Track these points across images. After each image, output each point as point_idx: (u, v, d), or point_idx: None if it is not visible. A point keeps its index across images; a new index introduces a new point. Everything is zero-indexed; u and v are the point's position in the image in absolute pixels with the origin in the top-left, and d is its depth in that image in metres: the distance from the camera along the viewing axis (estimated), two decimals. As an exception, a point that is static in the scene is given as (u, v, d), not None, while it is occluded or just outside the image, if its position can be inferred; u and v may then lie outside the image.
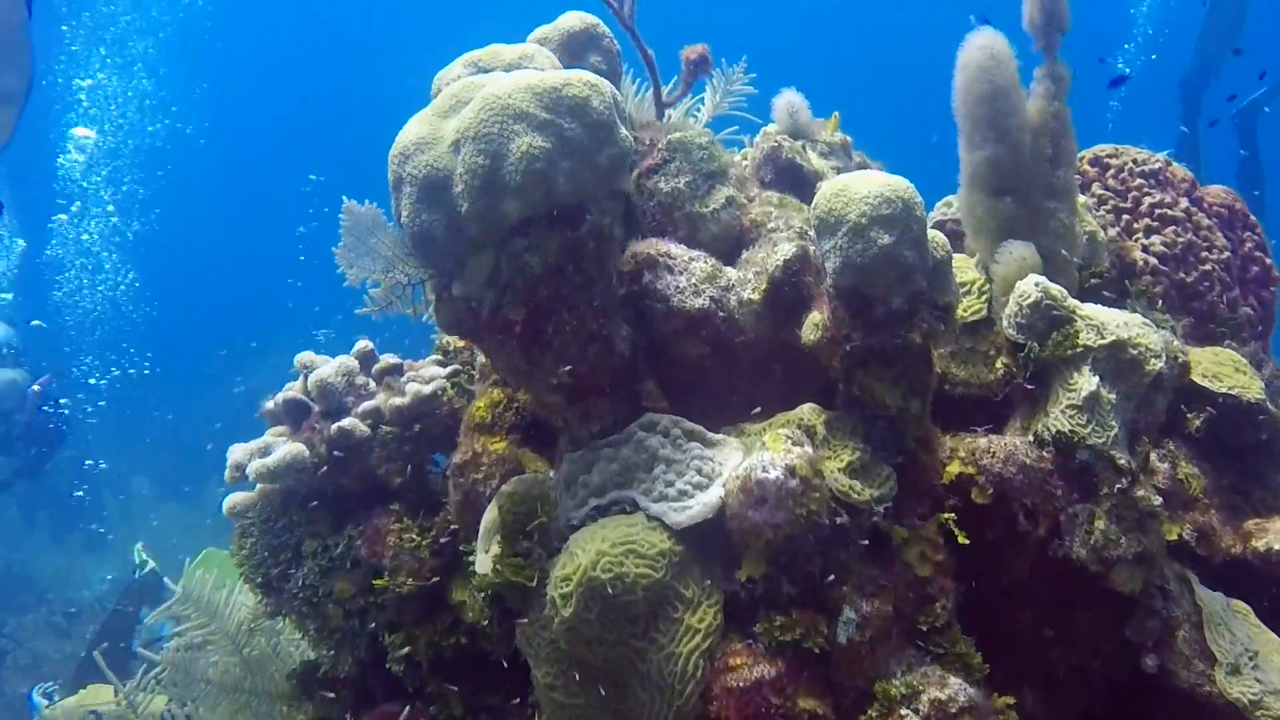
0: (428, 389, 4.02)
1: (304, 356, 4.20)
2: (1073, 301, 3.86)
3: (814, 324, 3.48)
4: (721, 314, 3.62)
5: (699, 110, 5.14)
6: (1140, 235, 4.65)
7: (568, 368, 3.51)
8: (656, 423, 3.52)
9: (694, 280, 3.62)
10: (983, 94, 4.01)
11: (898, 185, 3.34)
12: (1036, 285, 3.84)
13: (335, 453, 4.01)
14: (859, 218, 3.28)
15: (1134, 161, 4.79)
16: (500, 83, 3.39)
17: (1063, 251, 4.11)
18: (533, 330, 3.47)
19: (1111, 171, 4.78)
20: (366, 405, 4.05)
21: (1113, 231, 4.67)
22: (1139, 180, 4.72)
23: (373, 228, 3.51)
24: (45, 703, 6.82)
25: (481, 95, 3.38)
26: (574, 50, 4.24)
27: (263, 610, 4.26)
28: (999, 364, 4.03)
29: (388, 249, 3.52)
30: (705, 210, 3.85)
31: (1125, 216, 4.71)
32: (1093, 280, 4.32)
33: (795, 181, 4.17)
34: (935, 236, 3.48)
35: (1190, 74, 12.36)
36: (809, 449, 3.25)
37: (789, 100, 4.51)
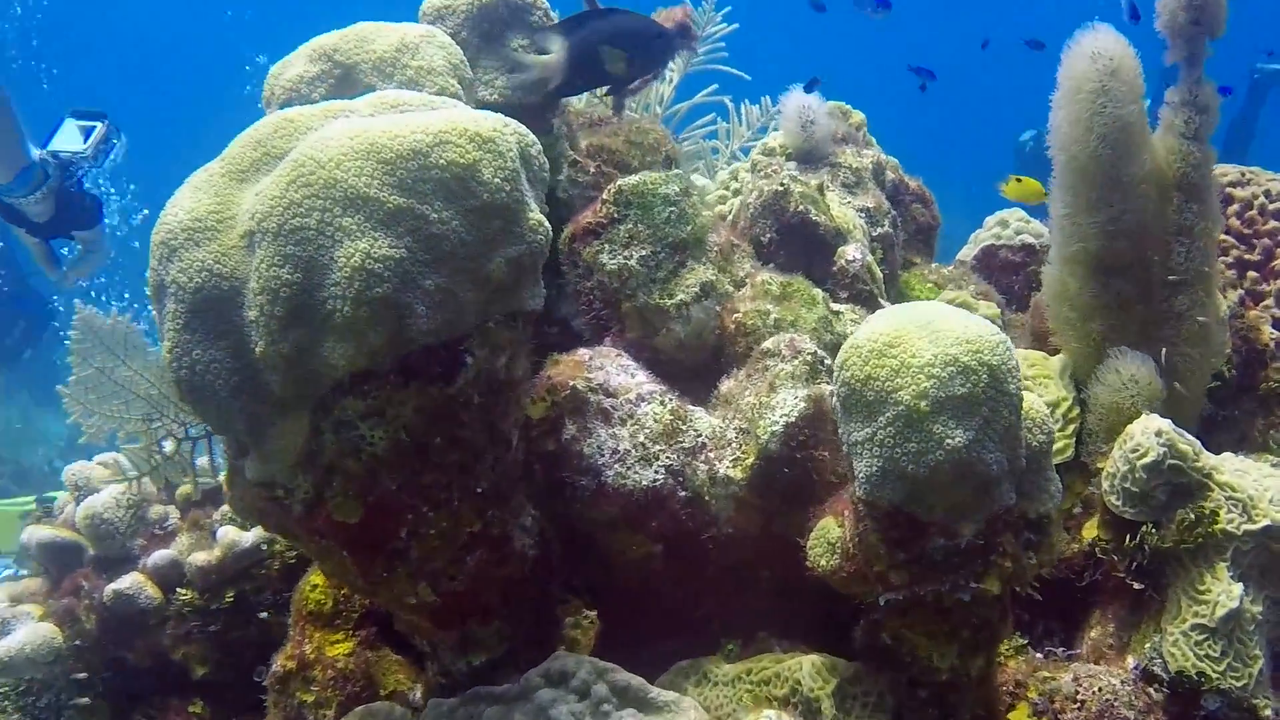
0: (248, 539, 2.51)
1: (77, 470, 2.68)
2: (1209, 460, 2.58)
3: (828, 541, 2.07)
4: (683, 493, 2.25)
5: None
6: (1273, 304, 3.12)
7: (433, 588, 2.00)
8: (571, 673, 2.18)
9: (642, 438, 2.22)
10: (1099, 130, 2.54)
11: (981, 342, 1.97)
12: (1159, 437, 2.56)
13: (112, 625, 2.52)
14: (916, 400, 1.92)
15: (1269, 194, 3.24)
16: (327, 140, 1.97)
17: (1194, 360, 2.60)
18: (376, 536, 2.14)
19: (1236, 207, 3.24)
20: (159, 556, 2.57)
21: (1233, 295, 3.15)
22: (1273, 222, 3.18)
23: (124, 350, 1.96)
24: None
25: (296, 158, 1.90)
26: (489, 28, 2.79)
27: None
28: (1088, 533, 2.65)
29: (149, 384, 1.97)
30: (668, 303, 2.41)
31: (1252, 273, 3.19)
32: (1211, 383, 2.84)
33: (808, 245, 2.73)
34: (1032, 410, 2.01)
35: None
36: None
37: (802, 105, 3.01)
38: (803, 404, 2.28)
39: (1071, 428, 2.82)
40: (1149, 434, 2.57)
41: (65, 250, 3.71)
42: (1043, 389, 2.85)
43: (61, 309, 9.00)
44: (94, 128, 4.86)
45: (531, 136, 2.26)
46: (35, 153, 4.53)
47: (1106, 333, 2.82)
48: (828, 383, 2.39)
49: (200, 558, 2.74)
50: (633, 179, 2.66)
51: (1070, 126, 2.72)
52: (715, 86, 4.32)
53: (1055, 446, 2.74)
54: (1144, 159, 2.75)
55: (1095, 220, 2.75)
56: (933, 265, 3.47)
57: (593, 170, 2.90)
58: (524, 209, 2.13)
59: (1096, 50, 2.74)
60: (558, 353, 2.71)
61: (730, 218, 3.17)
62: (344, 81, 2.64)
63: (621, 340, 2.60)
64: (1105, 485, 2.63)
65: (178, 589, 2.79)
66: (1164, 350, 2.79)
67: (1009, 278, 3.87)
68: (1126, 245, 2.75)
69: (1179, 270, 2.78)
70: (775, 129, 4.36)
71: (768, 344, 2.46)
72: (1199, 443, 2.59)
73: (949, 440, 1.98)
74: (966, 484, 2.02)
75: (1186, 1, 2.75)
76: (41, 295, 8.96)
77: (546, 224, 2.18)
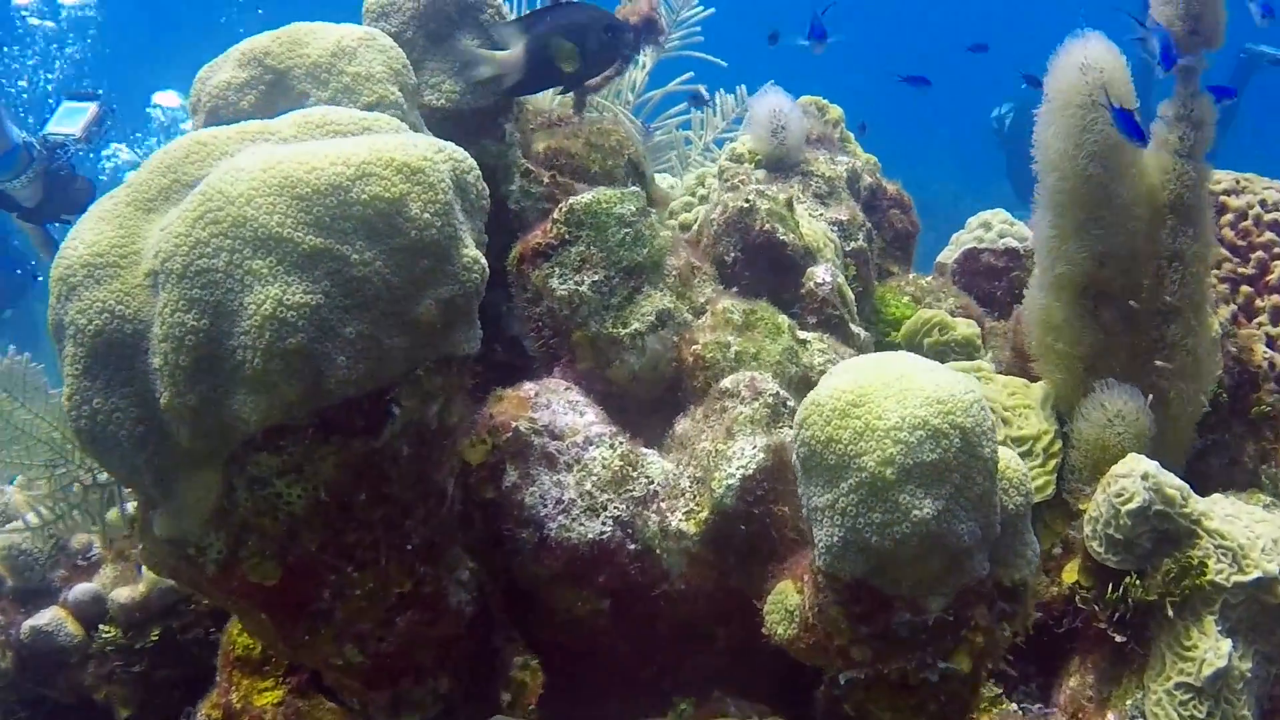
0: (175, 574, 2.36)
1: (-7, 495, 2.52)
2: (1198, 505, 2.45)
3: (786, 608, 1.91)
4: (633, 546, 2.10)
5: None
6: (1266, 321, 2.94)
7: (360, 650, 1.83)
8: (510, 739, 1.93)
9: (589, 486, 2.05)
10: (1089, 148, 2.37)
11: (953, 402, 1.81)
12: (1146, 481, 2.43)
13: (31, 662, 2.36)
14: (881, 467, 1.74)
15: (1264, 204, 3.04)
16: (238, 172, 1.80)
17: (1185, 393, 2.43)
18: (296, 598, 1.97)
19: (1230, 217, 3.05)
20: (80, 590, 2.41)
21: (1225, 311, 2.96)
22: (1269, 234, 3.00)
23: (23, 392, 1.78)
24: None
25: (204, 191, 1.70)
26: (436, 28, 2.63)
27: None
28: (1068, 577, 2.49)
29: (51, 427, 1.80)
30: (622, 332, 2.24)
31: (1245, 288, 3.00)
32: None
33: (774, 266, 2.54)
34: (1008, 470, 1.84)
35: None
36: None
37: (773, 109, 2.81)
38: (761, 455, 2.10)
39: (1053, 463, 2.64)
40: (1134, 478, 2.40)
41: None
42: (1023, 420, 2.67)
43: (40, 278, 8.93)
44: (87, 109, 4.74)
45: (469, 161, 2.06)
46: (19, 136, 4.34)
47: (1092, 362, 2.64)
48: (789, 426, 2.20)
49: (124, 593, 2.56)
50: (585, 197, 2.46)
51: (1058, 143, 2.53)
52: (690, 74, 4.11)
53: (1036, 484, 2.58)
54: (1136, 179, 2.56)
55: (1083, 244, 2.56)
56: (910, 276, 3.28)
57: (547, 180, 2.70)
58: (457, 245, 1.94)
59: (1087, 61, 2.54)
60: (505, 375, 2.54)
61: (694, 230, 2.97)
62: (275, 88, 2.44)
63: (571, 371, 2.42)
64: (1087, 530, 2.46)
65: (100, 625, 2.61)
66: (1152, 383, 2.59)
67: (991, 283, 3.68)
68: (1115, 272, 2.56)
69: (1171, 298, 2.59)
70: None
71: (726, 383, 2.27)
72: (1187, 486, 2.41)
73: (916, 511, 1.81)
74: (935, 557, 1.86)
75: (1183, 10, 2.54)
76: (25, 257, 8.82)
77: (482, 261, 1.99)
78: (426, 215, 1.91)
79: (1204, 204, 2.63)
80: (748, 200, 2.65)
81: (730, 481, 2.09)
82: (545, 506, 2.14)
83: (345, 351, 1.84)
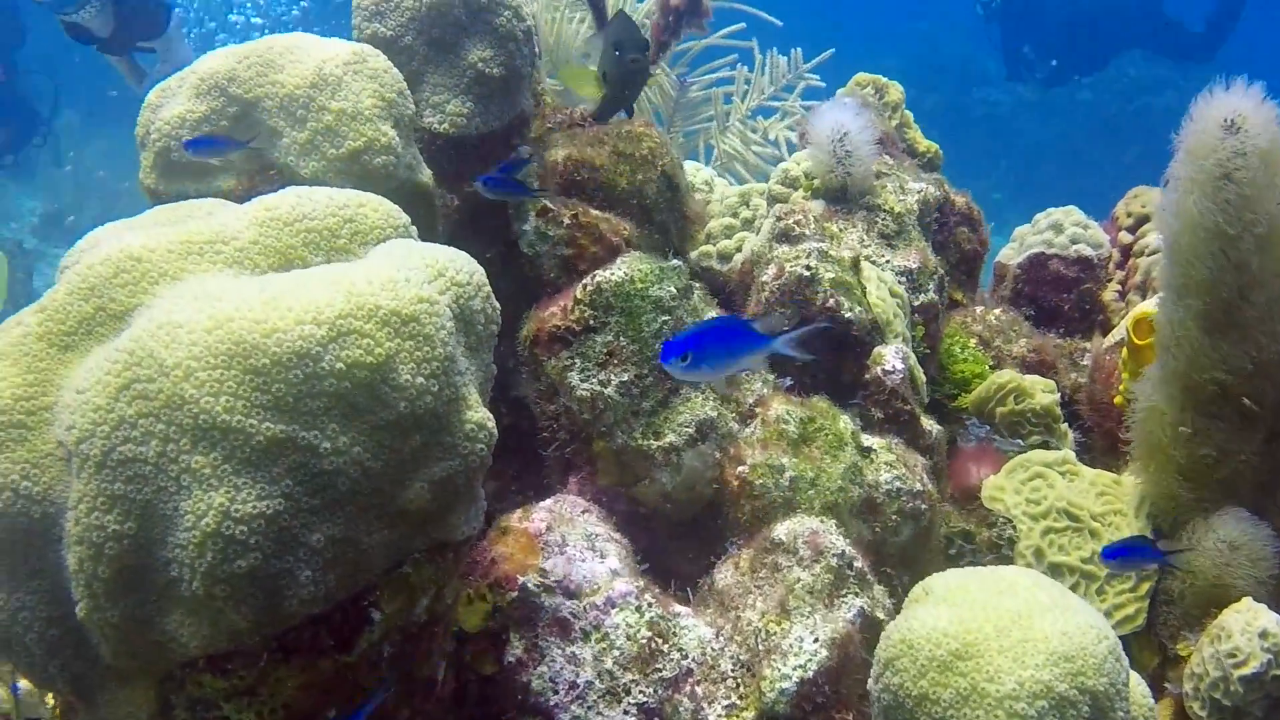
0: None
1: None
2: None
3: None
4: None
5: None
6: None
7: None
8: None
9: (609, 663, 1.73)
10: (1229, 228, 1.88)
11: (1083, 659, 1.46)
12: (1264, 641, 2.11)
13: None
14: None
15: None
16: (175, 329, 1.41)
17: None
18: None
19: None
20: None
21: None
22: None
23: None
24: None
25: (132, 350, 1.31)
26: (440, 35, 2.19)
27: None
28: (1161, 727, 2.07)
29: None
30: (653, 445, 1.87)
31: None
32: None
33: (836, 344, 2.03)
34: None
35: None
36: None
37: (836, 128, 2.34)
38: (824, 653, 1.71)
39: (1145, 587, 2.26)
40: (1251, 636, 2.02)
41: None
42: (1114, 531, 2.27)
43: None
44: None
45: (476, 278, 1.63)
46: None
47: (1204, 476, 2.21)
48: (856, 594, 1.79)
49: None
50: (616, 273, 2.02)
51: (1190, 217, 2.06)
52: (742, 26, 3.56)
53: (1125, 611, 2.21)
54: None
55: (1213, 343, 2.11)
56: (978, 311, 2.83)
57: (567, 221, 2.24)
58: (457, 410, 1.52)
59: (1233, 120, 2.05)
60: (511, 443, 2.13)
61: (735, 265, 2.51)
62: (241, 123, 1.99)
63: (591, 485, 2.01)
64: (1187, 687, 2.09)
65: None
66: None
67: (1059, 294, 3.24)
68: (1251, 384, 2.11)
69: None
70: (800, 95, 3.66)
71: (781, 532, 1.86)
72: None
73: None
74: None
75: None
76: (32, 106, 8.46)
77: (489, 425, 1.57)
78: (420, 380, 1.47)
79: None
80: (808, 267, 2.20)
81: (785, 685, 1.71)
82: (557, 692, 1.76)
83: (311, 564, 1.43)
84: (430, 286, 1.57)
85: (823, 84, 3.73)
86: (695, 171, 3.03)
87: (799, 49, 3.66)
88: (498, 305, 1.75)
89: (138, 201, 2.16)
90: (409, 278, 1.55)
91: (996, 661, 1.47)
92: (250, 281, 1.53)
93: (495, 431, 1.62)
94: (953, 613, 1.52)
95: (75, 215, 12.11)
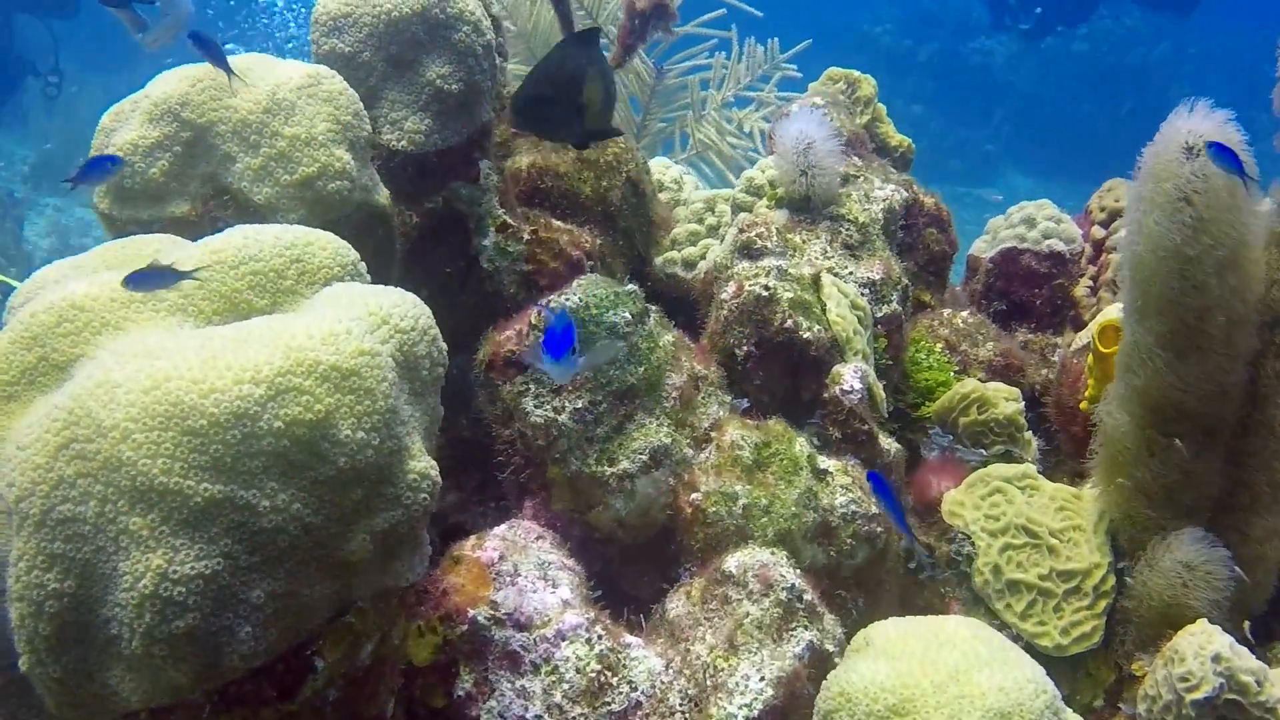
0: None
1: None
2: (1274, 690, 2.09)
3: None
4: None
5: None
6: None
7: None
8: None
9: (559, 696, 1.81)
10: (1189, 252, 1.87)
11: (1019, 715, 1.27)
12: (1217, 665, 2.09)
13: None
14: None
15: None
16: (114, 389, 1.43)
17: (1274, 552, 2.29)
18: None
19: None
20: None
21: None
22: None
23: None
24: None
25: (70, 409, 1.34)
26: (398, 52, 2.18)
27: None
28: (1108, 736, 2.11)
29: None
30: (607, 472, 1.90)
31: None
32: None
33: (794, 364, 2.04)
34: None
35: None
36: None
37: (800, 139, 2.30)
38: (769, 692, 1.73)
39: (1103, 604, 2.28)
40: (1204, 659, 2.04)
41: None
42: (1073, 549, 2.29)
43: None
44: None
45: (421, 322, 1.63)
46: None
47: (1164, 496, 2.22)
48: (805, 627, 1.81)
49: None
50: (571, 298, 2.02)
51: (1151, 239, 2.06)
52: (722, 12, 3.53)
53: (1082, 630, 2.22)
54: (1244, 292, 2.10)
55: (1170, 362, 2.12)
56: (945, 314, 2.83)
57: (527, 237, 2.23)
58: (400, 460, 1.52)
59: (1193, 144, 2.05)
60: (469, 455, 2.14)
61: (700, 274, 2.51)
62: (193, 149, 1.98)
63: (545, 511, 2.02)
64: (1141, 709, 2.13)
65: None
66: (1235, 529, 2.20)
67: (1030, 290, 3.24)
68: (1206, 400, 2.12)
69: (1276, 431, 2.16)
70: (776, 85, 3.64)
71: (731, 565, 1.87)
72: (1264, 668, 2.06)
73: None
74: None
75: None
76: (21, 55, 8.38)
77: (433, 474, 1.57)
78: (360, 434, 1.48)
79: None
80: (767, 287, 2.20)
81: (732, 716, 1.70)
82: (505, 727, 1.75)
83: (251, 620, 1.44)
84: (372, 337, 1.57)
85: (799, 74, 3.72)
86: (664, 169, 3.02)
87: (776, 39, 3.64)
88: (444, 347, 1.74)
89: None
90: (350, 329, 1.54)
91: (933, 718, 1.48)
92: (191, 336, 1.53)
93: (438, 479, 1.63)
94: (891, 666, 1.53)
95: (66, 163, 12.22)
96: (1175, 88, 16.25)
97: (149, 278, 1.61)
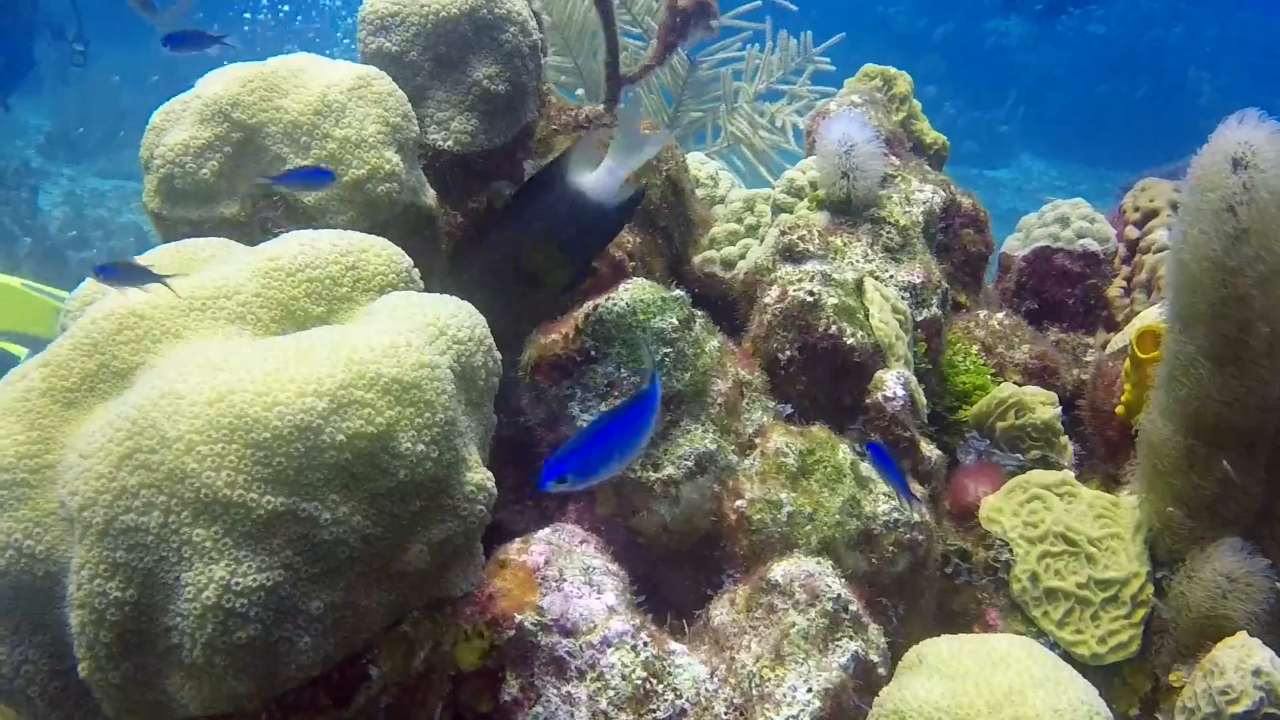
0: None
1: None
2: None
3: None
4: None
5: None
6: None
7: None
8: None
9: (604, 703, 1.84)
10: (1237, 264, 1.88)
11: None
12: (1258, 679, 2.06)
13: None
14: None
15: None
16: (178, 399, 1.48)
17: None
18: None
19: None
20: None
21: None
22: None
23: None
24: None
25: (134, 419, 1.36)
26: (446, 51, 2.21)
27: None
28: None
29: None
30: (652, 477, 1.91)
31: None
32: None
33: (837, 370, 2.03)
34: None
35: None
36: None
37: (843, 139, 2.30)
38: (817, 703, 1.73)
39: (1141, 613, 2.27)
40: (1244, 673, 2.04)
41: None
42: (1111, 557, 2.28)
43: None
44: None
45: (478, 332, 1.63)
46: None
47: (1204, 506, 2.22)
48: (851, 638, 1.81)
49: None
50: (618, 303, 2.02)
51: (1199, 248, 2.06)
52: (758, 4, 3.51)
53: (1119, 639, 2.22)
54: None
55: (1214, 375, 2.11)
56: (981, 315, 2.82)
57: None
58: (458, 472, 1.53)
59: (1241, 155, 2.04)
60: (511, 454, 2.14)
61: (740, 275, 2.50)
62: (244, 150, 1.98)
63: (590, 515, 2.03)
64: (1178, 717, 2.08)
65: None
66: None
67: (1063, 289, 3.23)
68: (1253, 418, 2.12)
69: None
70: (809, 78, 3.62)
71: (777, 574, 1.88)
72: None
73: None
74: None
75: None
76: (24, 41, 8.30)
77: (490, 485, 1.57)
78: (420, 446, 1.48)
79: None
80: (811, 293, 2.20)
81: (776, 736, 1.71)
82: (551, 734, 1.76)
83: (311, 630, 1.45)
84: (431, 348, 1.58)
85: (832, 67, 3.71)
86: (700, 165, 3.02)
87: (809, 32, 3.62)
88: (498, 356, 1.75)
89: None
90: (410, 341, 1.55)
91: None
92: (253, 347, 1.53)
93: (495, 491, 1.63)
94: (945, 686, 1.54)
95: (83, 130, 12.16)
96: (1191, 70, 16.21)
97: (121, 273, 1.61)
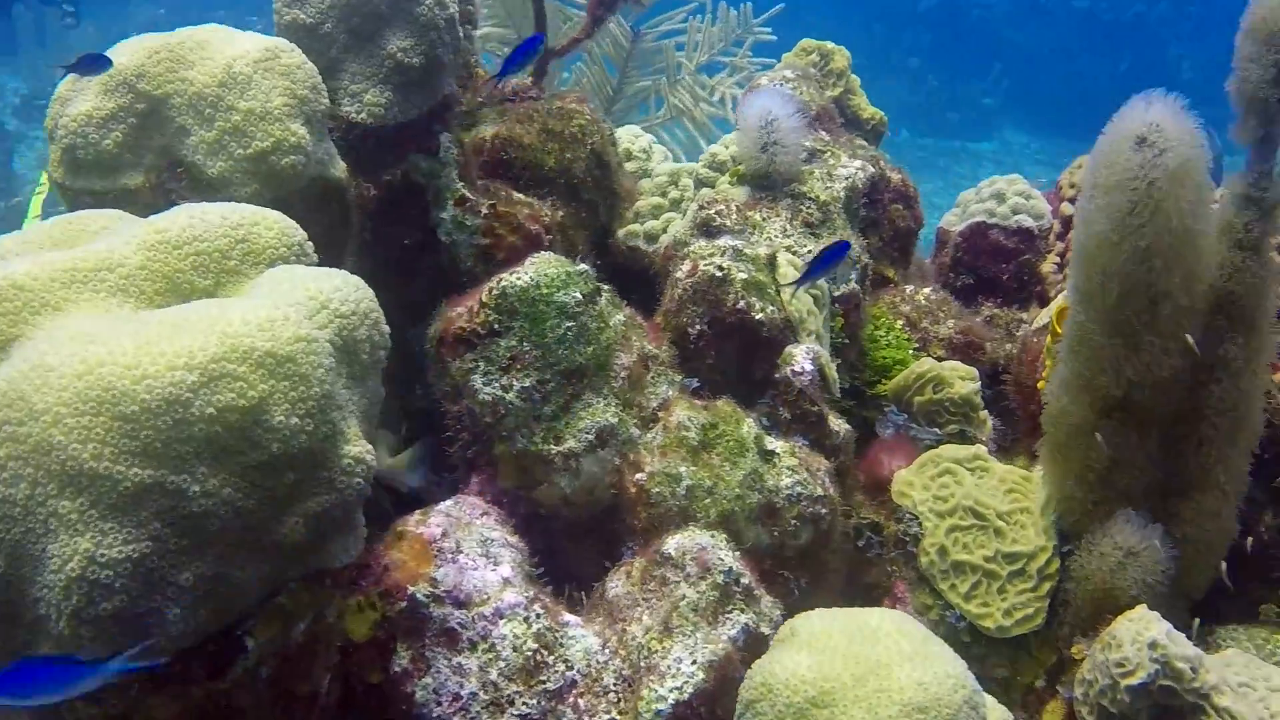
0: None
1: None
2: (1208, 678, 2.08)
3: None
4: None
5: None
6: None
7: None
8: None
9: (494, 675, 1.81)
10: (1137, 243, 2.07)
11: (937, 710, 1.37)
12: (1153, 652, 2.07)
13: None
14: None
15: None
16: (47, 373, 1.48)
17: (1210, 536, 2.28)
18: None
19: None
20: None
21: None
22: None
23: None
24: None
25: (4, 392, 1.24)
26: (360, 24, 2.17)
27: None
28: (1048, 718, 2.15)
29: None
30: (553, 450, 1.90)
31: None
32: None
33: (746, 346, 2.04)
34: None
35: None
36: None
37: (764, 116, 2.28)
38: (700, 675, 1.74)
39: (1047, 586, 2.29)
40: (1140, 646, 2.06)
41: None
42: (1019, 531, 2.30)
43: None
44: None
45: (363, 306, 1.63)
46: None
47: (1107, 480, 2.23)
48: (741, 610, 1.83)
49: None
50: (522, 277, 2.01)
51: (1099, 226, 2.06)
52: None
53: (1025, 613, 2.24)
54: (1193, 285, 2.10)
55: (1114, 351, 2.12)
56: (908, 290, 2.83)
57: (485, 211, 2.23)
58: (335, 445, 1.53)
59: (1146, 135, 2.04)
60: (424, 424, 2.14)
61: (662, 249, 2.51)
62: (148, 121, 1.97)
63: (492, 487, 2.03)
64: (1078, 691, 2.14)
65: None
66: (1175, 515, 2.21)
67: (998, 265, 3.24)
68: (1153, 396, 2.13)
69: (1210, 417, 2.17)
70: (750, 50, 3.61)
71: (671, 547, 1.89)
72: (1200, 654, 2.07)
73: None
74: None
75: (1276, 71, 2.05)
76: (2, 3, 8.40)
77: (369, 456, 1.58)
78: (294, 420, 1.49)
79: (1268, 310, 2.18)
80: (720, 268, 2.20)
81: (660, 707, 1.74)
82: (440, 704, 1.79)
83: (180, 601, 1.46)
84: (310, 323, 1.58)
85: (774, 37, 3.69)
86: (634, 139, 3.01)
87: (749, 4, 3.60)
88: (386, 330, 1.75)
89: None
90: (288, 315, 1.55)
91: (851, 711, 1.50)
92: (128, 320, 1.53)
93: (374, 463, 1.64)
94: (813, 658, 1.55)
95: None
96: (1174, 46, 16.18)
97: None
